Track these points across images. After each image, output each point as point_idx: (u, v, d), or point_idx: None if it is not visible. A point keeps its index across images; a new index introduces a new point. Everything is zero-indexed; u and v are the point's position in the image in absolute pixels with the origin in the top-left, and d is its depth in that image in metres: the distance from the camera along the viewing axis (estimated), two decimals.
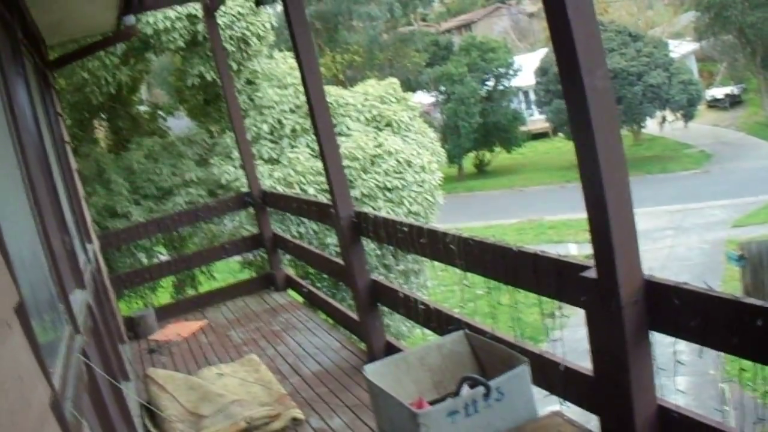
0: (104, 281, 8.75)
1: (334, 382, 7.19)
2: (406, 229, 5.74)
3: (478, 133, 47.20)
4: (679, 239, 31.02)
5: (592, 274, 3.46)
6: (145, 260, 14.42)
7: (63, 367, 3.59)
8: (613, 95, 3.28)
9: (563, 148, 50.10)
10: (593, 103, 3.15)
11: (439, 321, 5.69)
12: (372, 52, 47.86)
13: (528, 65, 50.30)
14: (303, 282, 10.68)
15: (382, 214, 6.81)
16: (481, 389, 3.80)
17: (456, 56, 49.07)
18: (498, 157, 51.06)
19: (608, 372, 3.56)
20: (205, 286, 15.45)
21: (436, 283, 20.89)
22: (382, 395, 4.17)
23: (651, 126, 47.97)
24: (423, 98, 46.77)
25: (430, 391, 4.52)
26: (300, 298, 10.60)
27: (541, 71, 47.45)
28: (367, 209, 13.18)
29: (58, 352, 3.79)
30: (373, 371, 4.42)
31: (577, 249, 30.43)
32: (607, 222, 3.24)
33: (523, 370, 3.92)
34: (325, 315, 9.62)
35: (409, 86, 44.50)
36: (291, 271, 11.36)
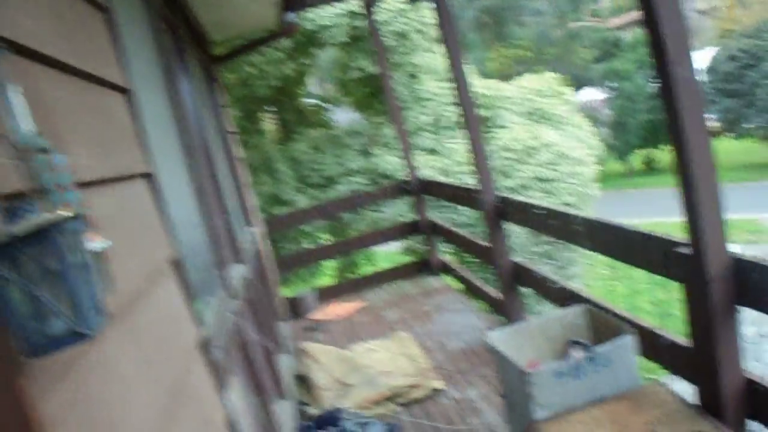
0: (265, 262, 9.27)
1: (475, 358, 7.54)
2: (539, 211, 6.08)
3: (646, 130, 46.24)
4: None
5: (686, 249, 3.73)
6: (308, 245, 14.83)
7: (214, 320, 4.02)
8: (699, 84, 3.56)
9: (731, 148, 48.59)
10: (681, 90, 3.48)
11: (572, 300, 5.89)
12: (540, 47, 47.61)
13: (697, 63, 48.99)
14: (457, 266, 10.95)
15: (520, 197, 7.11)
16: (588, 354, 4.09)
17: (624, 52, 48.35)
18: (668, 155, 49.99)
19: (700, 343, 3.80)
20: (366, 271, 15.79)
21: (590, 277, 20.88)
22: (500, 358, 4.48)
23: None
24: (592, 94, 46.26)
25: (549, 358, 4.79)
26: (453, 283, 10.96)
27: (711, 70, 46.28)
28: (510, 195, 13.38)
29: (211, 308, 4.23)
30: (496, 338, 4.72)
31: (740, 249, 29.76)
32: (696, 200, 3.53)
33: (629, 340, 4.14)
34: (474, 297, 9.94)
35: (577, 81, 44.12)
36: (447, 258, 11.61)
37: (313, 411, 6.75)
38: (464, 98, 7.17)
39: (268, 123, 18.71)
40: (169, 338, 2.74)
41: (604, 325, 4.68)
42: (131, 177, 2.82)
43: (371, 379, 7.12)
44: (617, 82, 46.51)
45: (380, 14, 13.79)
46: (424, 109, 15.09)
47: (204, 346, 3.27)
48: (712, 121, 49.95)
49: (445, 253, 12.33)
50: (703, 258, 3.59)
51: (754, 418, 3.78)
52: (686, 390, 4.07)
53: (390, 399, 6.79)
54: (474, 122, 7.20)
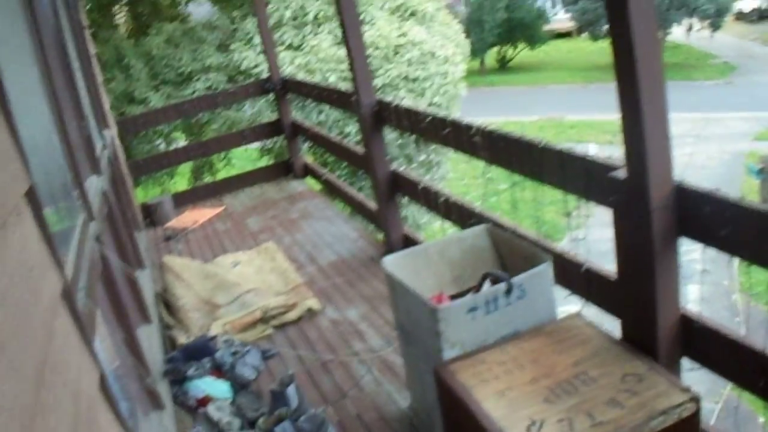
0: (121, 168, 8.68)
1: (350, 272, 7.19)
2: (429, 119, 5.64)
3: (501, 28, 46.65)
4: (699, 147, 30.78)
5: (621, 174, 3.35)
6: (163, 147, 14.40)
7: (76, 256, 3.52)
8: None
9: (587, 48, 49.65)
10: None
11: (459, 214, 5.64)
12: None
13: None
14: (322, 170, 10.61)
15: (405, 103, 6.66)
16: (502, 286, 3.71)
17: None
18: (521, 54, 50.58)
19: (633, 276, 3.48)
20: (223, 173, 15.44)
21: (459, 175, 20.87)
22: (400, 288, 4.07)
23: (677, 33, 47.54)
24: None
25: (450, 285, 4.43)
26: (318, 186, 10.56)
27: None
28: (388, 98, 13.14)
29: (71, 240, 3.72)
30: (392, 263, 4.32)
31: (597, 149, 30.24)
32: (641, 120, 3.11)
33: (546, 269, 3.79)
34: (343, 204, 9.58)
35: None
36: (309, 159, 11.28)
37: (180, 337, 6.23)
38: None
39: (121, 16, 18.06)
40: (28, 298, 2.20)
41: (510, 247, 4.34)
42: None
43: (240, 298, 6.65)
44: None
45: None
46: (287, 2, 14.55)
47: (67, 294, 2.74)
48: (565, 21, 50.52)
49: (307, 153, 12.00)
50: (643, 184, 3.21)
51: (687, 355, 3.54)
52: (604, 321, 3.79)
53: (263, 321, 6.35)
54: (352, 18, 6.62)
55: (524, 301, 3.75)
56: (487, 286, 3.95)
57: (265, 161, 15.17)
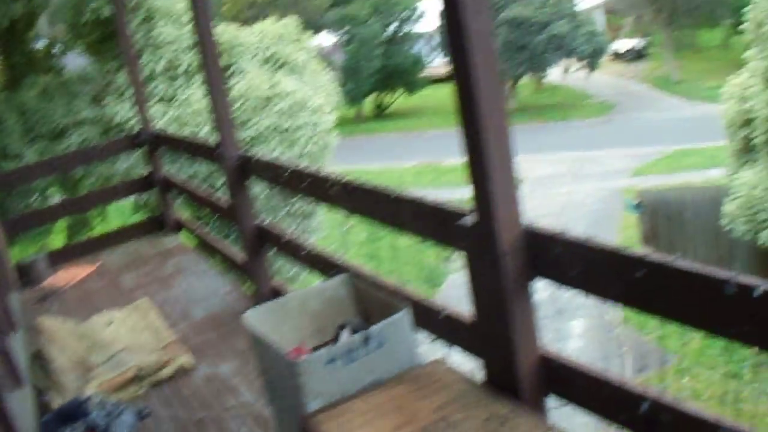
0: None
1: (222, 327, 7.16)
2: (288, 171, 5.67)
3: (378, 75, 47.20)
4: (577, 186, 31.48)
5: (470, 220, 3.40)
6: (39, 203, 14.19)
7: None
8: (495, 39, 3.18)
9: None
10: (474, 45, 3.06)
11: (323, 265, 5.68)
12: None
13: (434, 9, 50.21)
14: (194, 224, 10.59)
15: (267, 156, 6.74)
16: (359, 336, 3.72)
17: None
18: (399, 100, 51.13)
19: (489, 318, 3.52)
20: (99, 229, 15.25)
21: (337, 223, 20.96)
22: (260, 343, 4.06)
23: (554, 75, 48.75)
24: (326, 39, 46.65)
25: (312, 337, 4.40)
26: (192, 241, 10.49)
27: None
28: (260, 150, 13.14)
29: None
30: (253, 317, 4.29)
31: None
32: (486, 167, 3.17)
33: (403, 317, 3.82)
34: (215, 258, 9.55)
35: (313, 27, 44.20)
36: (184, 213, 11.21)
37: (55, 400, 6.10)
38: (206, 43, 6.70)
39: None
40: None
41: (369, 297, 4.35)
42: None
43: (115, 358, 6.56)
44: (353, 28, 47.12)
45: None
46: (160, 54, 14.55)
47: None
48: (442, 67, 51.16)
49: (183, 209, 11.92)
50: (491, 229, 3.26)
51: (551, 394, 3.58)
52: (468, 365, 3.84)
53: (137, 380, 6.26)
54: (216, 71, 6.71)
55: (384, 350, 3.75)
56: (346, 335, 3.96)
57: (140, 216, 15.03)
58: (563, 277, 3.25)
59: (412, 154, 38.66)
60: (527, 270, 3.36)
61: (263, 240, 7.01)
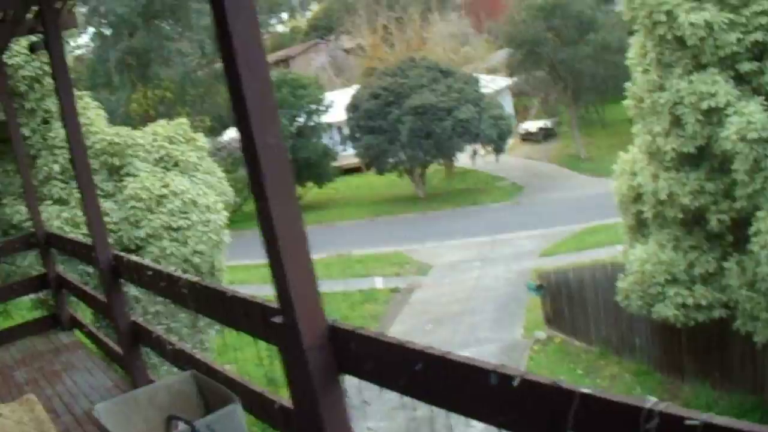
0: None
1: None
2: (150, 273, 5.90)
3: None
4: (486, 270, 31.72)
5: (279, 319, 3.63)
6: None
7: None
8: (286, 151, 3.43)
9: (375, 182, 50.63)
10: (265, 158, 3.31)
11: (186, 361, 5.85)
12: (184, 88, 47.73)
13: (342, 101, 50.80)
14: (84, 321, 10.68)
15: (135, 258, 6.93)
16: (186, 429, 3.91)
17: None
18: (310, 192, 50.91)
19: (303, 408, 3.73)
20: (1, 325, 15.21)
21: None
22: None
23: (464, 160, 48.86)
24: (234, 134, 46.76)
25: (160, 430, 4.63)
26: (84, 339, 10.58)
27: (352, 107, 47.86)
28: (153, 249, 13.32)
29: None
30: (105, 410, 4.49)
31: (383, 283, 30.87)
32: (284, 271, 3.41)
33: (234, 409, 4.03)
34: (103, 354, 9.64)
35: (222, 123, 44.44)
36: (77, 313, 11.32)
37: None
38: (76, 148, 6.93)
39: None
40: None
41: (212, 391, 4.55)
42: None
43: None
44: None
45: (13, 58, 13.27)
46: (56, 156, 14.65)
47: None
48: (353, 157, 51.48)
49: (77, 308, 12.01)
50: (297, 327, 3.48)
51: None
52: None
53: None
54: (86, 174, 6.94)
55: None
56: (183, 427, 4.15)
57: (39, 313, 15.03)
58: (362, 371, 3.46)
59: (321, 247, 38.59)
60: (335, 364, 3.57)
61: (137, 336, 7.20)
